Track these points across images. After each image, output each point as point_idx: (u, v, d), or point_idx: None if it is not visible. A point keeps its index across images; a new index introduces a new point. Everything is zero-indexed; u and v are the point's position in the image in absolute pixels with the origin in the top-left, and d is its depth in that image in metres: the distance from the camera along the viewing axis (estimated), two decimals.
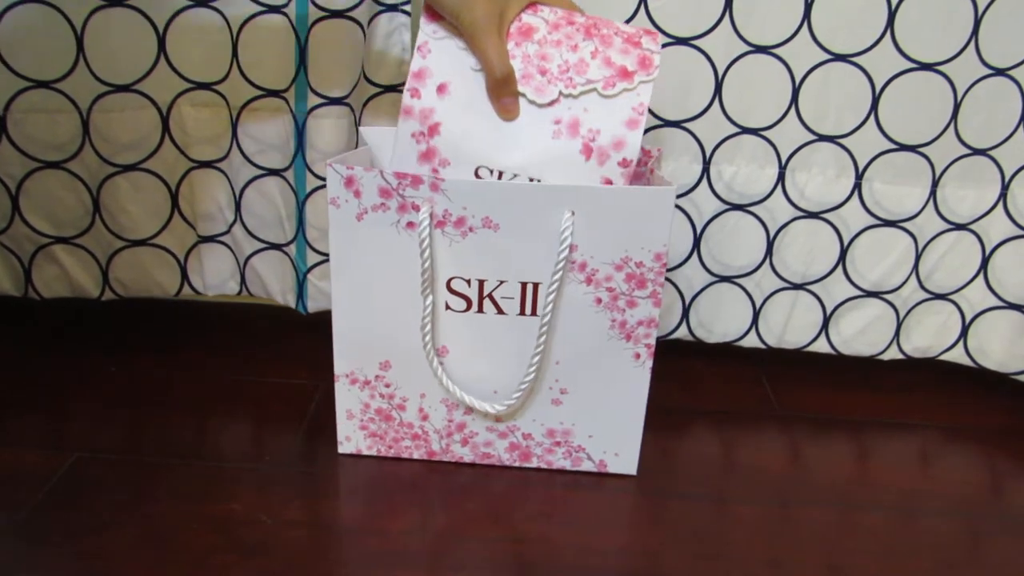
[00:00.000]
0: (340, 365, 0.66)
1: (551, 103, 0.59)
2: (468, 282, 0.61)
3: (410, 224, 0.60)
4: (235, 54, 0.75)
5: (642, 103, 0.59)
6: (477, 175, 0.60)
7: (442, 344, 0.64)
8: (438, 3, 0.59)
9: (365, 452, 0.69)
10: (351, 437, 0.69)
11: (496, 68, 0.59)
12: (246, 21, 0.73)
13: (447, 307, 0.62)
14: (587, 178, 0.59)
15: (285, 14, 0.72)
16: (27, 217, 0.78)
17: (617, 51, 0.60)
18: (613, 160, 0.59)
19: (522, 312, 0.62)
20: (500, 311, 0.62)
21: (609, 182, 0.59)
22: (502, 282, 0.61)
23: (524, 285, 0.61)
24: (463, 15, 0.59)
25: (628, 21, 0.72)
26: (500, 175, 0.60)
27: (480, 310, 0.62)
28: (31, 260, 0.80)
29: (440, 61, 0.60)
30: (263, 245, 0.83)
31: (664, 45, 0.72)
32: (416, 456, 0.69)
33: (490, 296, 0.62)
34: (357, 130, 0.77)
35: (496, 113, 0.60)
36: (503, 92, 0.59)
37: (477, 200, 0.58)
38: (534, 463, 0.68)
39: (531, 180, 0.59)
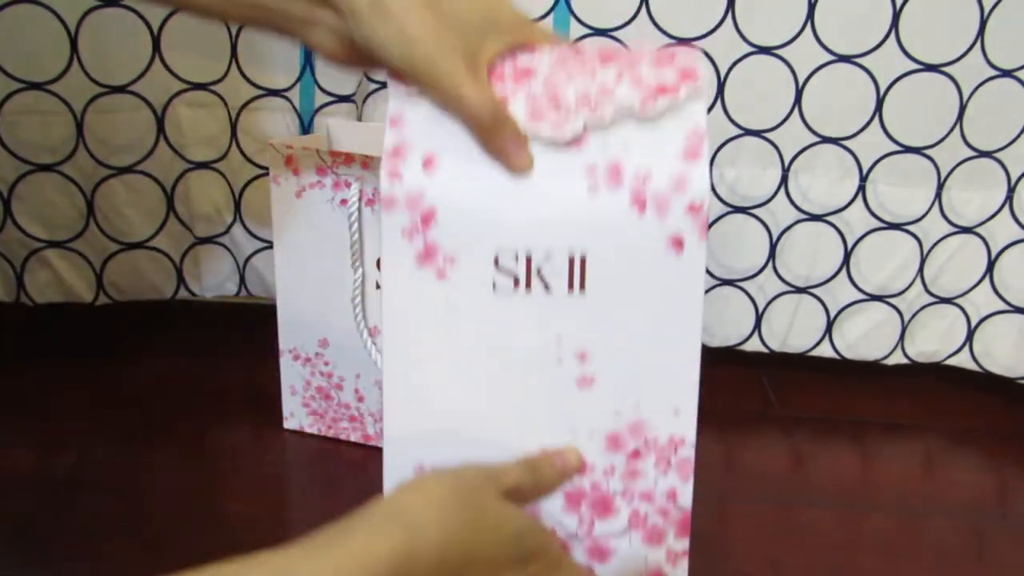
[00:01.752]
0: (284, 340, 0.68)
1: (577, 143, 0.44)
2: None
3: (343, 201, 0.61)
4: (234, 54, 0.74)
5: (698, 125, 0.44)
6: (497, 265, 0.45)
7: (373, 324, 0.64)
8: (380, 52, 0.43)
9: (307, 430, 0.71)
10: (295, 413, 0.70)
11: (478, 107, 0.43)
12: None
13: (377, 286, 0.62)
14: (649, 239, 0.44)
15: None
16: (19, 221, 0.77)
17: (648, 68, 0.46)
18: (677, 207, 0.44)
19: None
20: None
21: (680, 243, 0.45)
22: None
23: None
24: (413, 52, 0.42)
25: (629, 22, 0.71)
26: (529, 260, 0.45)
27: None
28: (23, 265, 0.79)
29: (420, 128, 0.45)
30: (264, 244, 0.82)
31: (665, 46, 0.72)
32: (353, 439, 0.69)
33: None
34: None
35: (505, 168, 0.44)
36: (499, 136, 0.44)
37: None
38: None
39: (571, 258, 0.45)
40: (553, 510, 0.48)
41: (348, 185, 0.61)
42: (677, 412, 0.47)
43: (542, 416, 0.47)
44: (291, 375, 0.69)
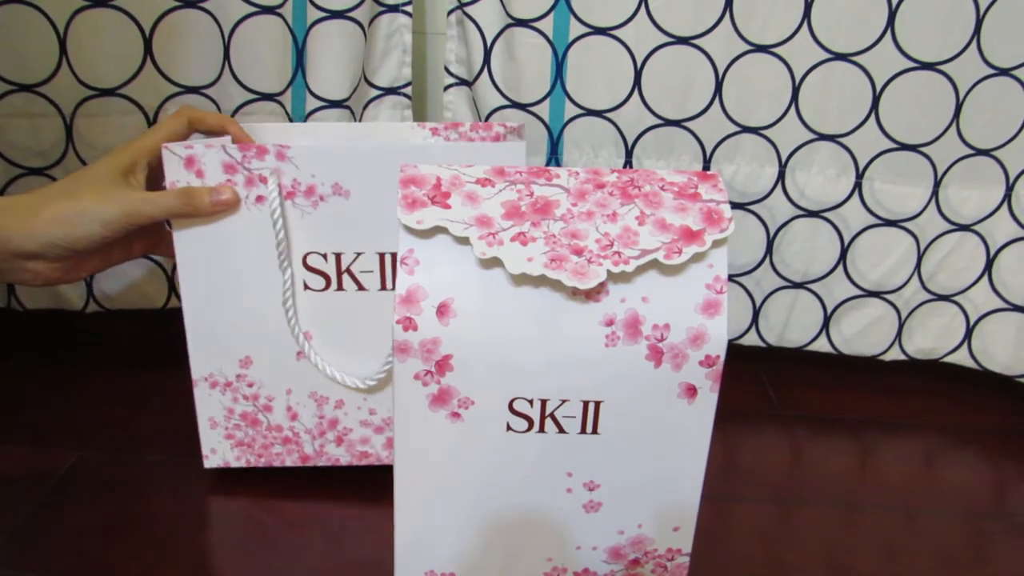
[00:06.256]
0: (197, 368, 0.61)
1: (596, 292, 0.44)
2: (324, 257, 0.57)
3: (259, 198, 0.55)
4: (227, 56, 0.73)
5: (718, 277, 0.45)
6: (512, 408, 0.46)
7: (305, 329, 0.59)
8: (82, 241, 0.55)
9: (234, 464, 0.64)
10: (216, 449, 0.63)
11: (166, 206, 0.55)
12: (239, 22, 0.71)
13: (306, 287, 0.58)
14: (663, 391, 0.46)
15: (281, 15, 0.70)
16: None
17: (671, 210, 0.45)
18: (693, 360, 0.45)
19: (383, 287, 0.58)
20: (360, 287, 0.58)
21: (693, 390, 0.46)
22: (359, 254, 0.57)
23: (382, 256, 0.57)
24: (74, 230, 0.55)
25: (628, 21, 0.71)
26: (544, 403, 0.46)
27: (340, 287, 0.58)
28: None
29: (435, 271, 0.44)
30: None
31: (664, 45, 0.72)
32: (289, 463, 0.64)
33: (348, 271, 0.58)
34: None
35: (218, 206, 0.55)
36: (197, 206, 0.55)
37: (325, 166, 0.55)
38: None
39: (586, 403, 0.46)
40: None
41: (264, 180, 0.55)
42: (677, 529, 0.49)
43: (548, 534, 0.49)
44: (209, 406, 0.62)
